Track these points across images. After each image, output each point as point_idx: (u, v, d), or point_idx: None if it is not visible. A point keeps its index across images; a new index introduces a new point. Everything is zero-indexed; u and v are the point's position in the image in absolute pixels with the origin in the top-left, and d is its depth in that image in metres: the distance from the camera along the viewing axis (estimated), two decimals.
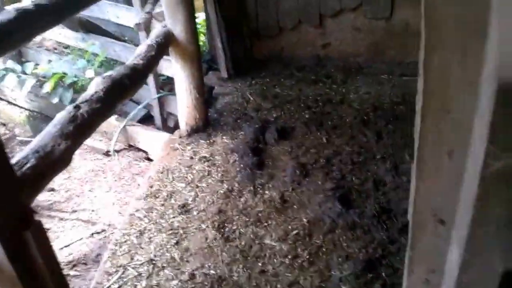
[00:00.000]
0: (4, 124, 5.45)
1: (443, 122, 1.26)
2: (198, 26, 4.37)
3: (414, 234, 1.50)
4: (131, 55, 3.16)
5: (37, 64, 5.27)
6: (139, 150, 4.67)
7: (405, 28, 4.95)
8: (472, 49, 1.10)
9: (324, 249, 3.00)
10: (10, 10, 2.14)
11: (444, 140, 1.28)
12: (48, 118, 3.32)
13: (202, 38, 5.87)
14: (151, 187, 3.53)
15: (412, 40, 4.96)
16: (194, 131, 3.99)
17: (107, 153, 4.63)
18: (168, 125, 4.46)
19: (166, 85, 4.96)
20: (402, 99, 4.72)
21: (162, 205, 3.37)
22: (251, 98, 4.74)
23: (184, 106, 3.87)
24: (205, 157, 3.84)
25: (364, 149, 3.93)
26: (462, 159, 1.33)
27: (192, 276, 2.84)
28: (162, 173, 3.67)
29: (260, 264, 2.92)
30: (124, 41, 5.58)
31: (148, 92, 4.62)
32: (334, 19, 5.12)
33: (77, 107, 2.21)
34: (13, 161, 1.70)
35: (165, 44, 3.47)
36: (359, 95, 4.80)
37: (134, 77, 2.79)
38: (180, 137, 3.97)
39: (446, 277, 1.51)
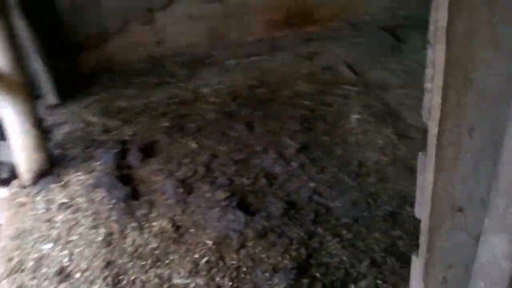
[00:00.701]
0: None
1: (465, 97, 1.05)
2: None
3: (432, 230, 1.29)
4: None
5: None
6: None
7: (241, 7, 4.81)
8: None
9: (244, 269, 2.69)
10: None
11: (466, 116, 1.08)
12: None
13: None
14: (10, 260, 2.79)
15: (251, 17, 4.86)
16: (39, 176, 3.29)
17: None
18: (2, 177, 3.62)
19: None
20: (258, 81, 4.60)
21: (33, 278, 2.68)
22: (94, 120, 4.13)
23: (21, 149, 3.14)
24: (64, 203, 3.19)
25: (240, 145, 3.69)
26: (485, 138, 1.14)
27: None
28: (17, 238, 2.93)
29: None
30: None
31: None
32: (166, 11, 4.72)
33: None
34: None
35: None
36: (212, 88, 4.53)
37: None
38: (24, 187, 3.24)
39: (473, 271, 1.34)
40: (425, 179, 1.29)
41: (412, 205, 3.12)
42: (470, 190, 1.29)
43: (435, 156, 1.23)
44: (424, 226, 1.35)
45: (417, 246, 1.42)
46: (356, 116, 4.01)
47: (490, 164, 1.15)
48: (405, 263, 2.62)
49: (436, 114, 1.18)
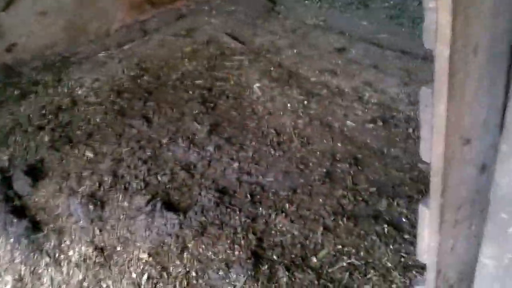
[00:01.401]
0: None
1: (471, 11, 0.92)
2: None
3: (445, 170, 1.16)
4: None
5: None
6: None
7: None
8: None
9: (193, 273, 2.43)
10: None
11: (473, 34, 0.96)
12: None
13: None
14: None
15: (108, 3, 4.45)
16: None
17: None
18: None
19: None
20: (139, 70, 4.23)
21: None
22: None
23: None
24: None
25: (143, 141, 3.35)
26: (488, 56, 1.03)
27: None
28: None
29: None
30: None
31: None
32: (8, 12, 4.09)
33: None
34: None
35: None
36: (90, 87, 4.08)
37: None
38: None
39: (492, 205, 1.24)
40: (435, 113, 1.14)
41: (343, 161, 3.12)
42: (476, 118, 1.19)
43: (448, 83, 1.10)
44: (436, 168, 1.21)
45: (417, 195, 1.30)
46: (257, 85, 3.87)
47: (496, 86, 1.05)
48: (357, 221, 2.55)
49: (446, 34, 1.04)
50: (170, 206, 2.77)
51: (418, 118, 3.33)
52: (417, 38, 4.27)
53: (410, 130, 3.20)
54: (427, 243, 1.28)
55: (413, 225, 2.52)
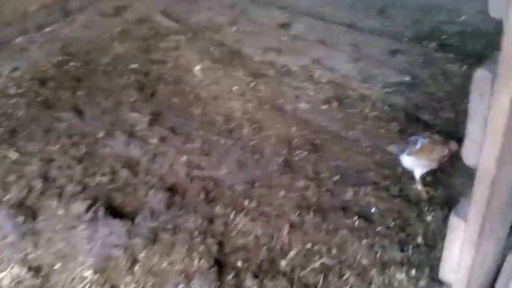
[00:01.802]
0: None
1: None
2: None
3: (496, 175, 0.94)
4: None
5: None
6: None
7: None
8: None
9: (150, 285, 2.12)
10: None
11: None
12: None
13: None
14: None
15: None
16: None
17: None
18: None
19: None
20: (64, 55, 3.79)
21: None
22: None
23: None
24: None
25: (76, 137, 2.97)
26: None
27: None
28: None
29: None
30: None
31: None
32: None
33: None
34: None
35: None
36: (9, 77, 3.61)
37: None
38: None
39: None
40: (494, 104, 0.89)
41: (300, 148, 2.86)
42: None
43: None
44: (486, 173, 0.98)
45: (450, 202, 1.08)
46: (198, 66, 3.55)
47: None
48: (324, 214, 2.35)
49: None
50: (114, 211, 2.44)
51: (373, 97, 3.19)
52: (360, 11, 4.10)
53: (367, 110, 3.03)
54: (457, 260, 1.06)
55: (383, 215, 2.35)
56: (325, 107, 3.08)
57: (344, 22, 3.96)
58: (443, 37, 3.69)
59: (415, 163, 2.38)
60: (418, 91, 3.13)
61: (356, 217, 2.34)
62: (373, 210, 2.34)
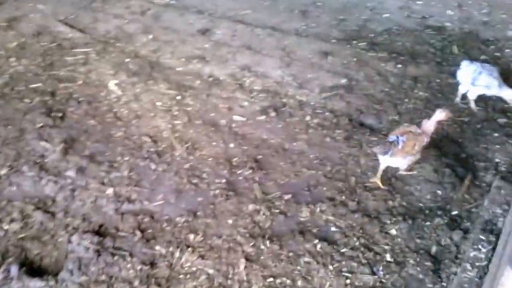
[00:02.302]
0: None
1: None
2: None
3: None
4: None
5: None
6: None
7: None
8: None
9: None
10: None
11: None
12: None
13: None
14: None
15: None
16: None
17: None
18: None
19: None
20: None
21: None
22: None
23: None
24: None
25: None
26: None
27: None
28: None
29: None
30: None
31: None
32: None
33: None
34: None
35: None
36: None
37: None
38: None
39: None
40: None
41: (242, 166, 2.51)
42: None
43: None
44: None
45: None
46: (114, 81, 3.14)
47: None
48: (281, 241, 2.09)
49: None
50: (31, 267, 2.00)
51: (312, 103, 2.96)
52: (282, 13, 3.90)
53: (308, 118, 2.81)
54: None
55: (345, 234, 2.13)
56: (262, 118, 2.82)
57: (267, 25, 3.73)
58: (371, 35, 3.58)
59: (401, 162, 2.37)
60: (357, 94, 2.97)
61: (317, 240, 2.10)
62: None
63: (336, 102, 2.90)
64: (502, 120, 2.76)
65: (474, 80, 2.68)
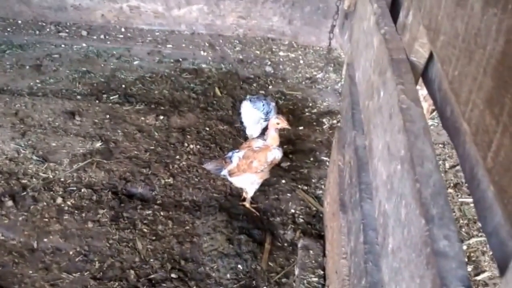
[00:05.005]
0: None
1: None
2: None
3: None
4: None
5: None
6: None
7: None
8: None
9: None
10: None
11: None
12: None
13: None
14: None
15: None
16: None
17: None
18: None
19: None
20: None
21: None
22: None
23: None
24: None
25: None
26: None
27: None
28: None
29: None
30: None
31: None
32: None
33: None
34: None
35: None
36: None
37: None
38: None
39: None
40: None
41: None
42: None
43: None
44: None
45: None
46: None
47: None
48: None
49: None
50: None
51: (62, 179, 2.27)
52: (11, 70, 3.16)
53: (59, 200, 2.17)
54: None
55: None
56: None
57: None
58: (123, 86, 3.11)
59: (244, 182, 2.07)
60: (118, 159, 2.45)
61: None
62: None
63: (93, 173, 2.32)
64: (285, 164, 2.52)
65: (268, 114, 2.40)
